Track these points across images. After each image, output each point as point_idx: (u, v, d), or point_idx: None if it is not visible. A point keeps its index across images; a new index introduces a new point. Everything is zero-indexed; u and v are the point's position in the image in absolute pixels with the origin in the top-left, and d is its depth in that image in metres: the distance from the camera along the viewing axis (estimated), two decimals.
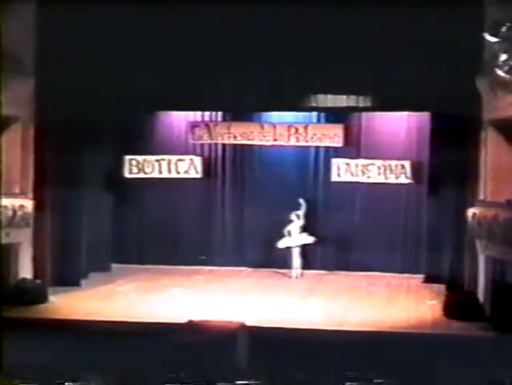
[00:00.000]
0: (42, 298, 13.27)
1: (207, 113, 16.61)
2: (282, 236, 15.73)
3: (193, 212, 16.84)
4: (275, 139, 16.37)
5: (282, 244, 15.74)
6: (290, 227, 15.79)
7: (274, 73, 13.36)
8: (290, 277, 15.75)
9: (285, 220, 15.79)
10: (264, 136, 16.39)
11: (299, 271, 15.85)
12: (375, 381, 7.88)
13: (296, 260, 15.84)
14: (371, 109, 14.43)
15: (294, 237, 15.80)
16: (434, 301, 13.59)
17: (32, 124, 13.64)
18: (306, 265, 16.16)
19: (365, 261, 16.14)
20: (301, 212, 15.89)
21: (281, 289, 14.90)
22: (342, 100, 13.93)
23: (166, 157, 16.65)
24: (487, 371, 8.46)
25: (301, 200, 15.91)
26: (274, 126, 16.34)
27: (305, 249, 15.96)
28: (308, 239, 15.84)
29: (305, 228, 15.90)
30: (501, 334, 11.20)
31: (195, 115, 16.68)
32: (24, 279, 13.49)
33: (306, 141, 16.33)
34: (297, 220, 15.84)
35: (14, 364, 8.58)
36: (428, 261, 15.35)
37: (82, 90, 13.40)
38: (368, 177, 16.08)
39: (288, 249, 15.83)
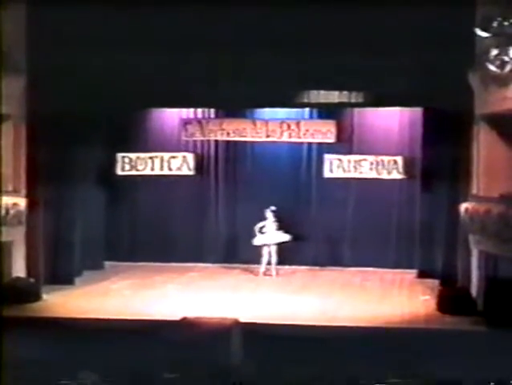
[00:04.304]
0: (36, 297, 13.23)
1: (199, 110, 16.59)
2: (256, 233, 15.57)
3: (185, 209, 16.83)
4: (268, 136, 16.37)
5: (257, 241, 15.64)
6: (263, 224, 15.62)
7: (267, 69, 13.34)
8: (271, 275, 15.58)
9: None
10: (257, 133, 16.38)
11: (274, 267, 15.62)
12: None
13: (273, 257, 15.61)
14: (364, 105, 14.43)
15: (270, 234, 15.65)
16: (427, 296, 13.63)
17: (24, 122, 13.62)
18: (300, 261, 16.20)
19: (359, 256, 16.17)
20: (273, 209, 15.64)
21: (275, 285, 14.93)
22: (334, 96, 13.93)
23: (159, 154, 16.62)
24: (479, 365, 8.49)
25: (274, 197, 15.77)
26: (266, 122, 16.33)
27: (298, 245, 15.95)
28: (284, 237, 15.65)
29: (282, 226, 15.65)
30: (493, 329, 11.23)
31: (187, 112, 16.65)
32: (17, 278, 13.48)
33: (299, 137, 16.33)
34: (271, 218, 15.67)
35: (8, 363, 8.56)
36: (422, 256, 15.39)
37: (74, 88, 13.38)
38: (361, 173, 16.10)
39: (268, 246, 15.69)
